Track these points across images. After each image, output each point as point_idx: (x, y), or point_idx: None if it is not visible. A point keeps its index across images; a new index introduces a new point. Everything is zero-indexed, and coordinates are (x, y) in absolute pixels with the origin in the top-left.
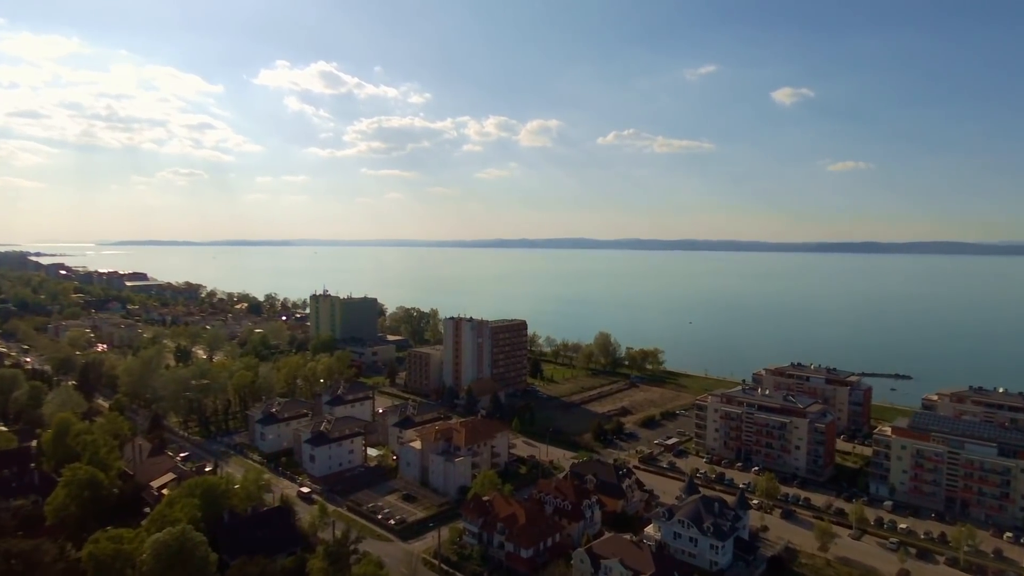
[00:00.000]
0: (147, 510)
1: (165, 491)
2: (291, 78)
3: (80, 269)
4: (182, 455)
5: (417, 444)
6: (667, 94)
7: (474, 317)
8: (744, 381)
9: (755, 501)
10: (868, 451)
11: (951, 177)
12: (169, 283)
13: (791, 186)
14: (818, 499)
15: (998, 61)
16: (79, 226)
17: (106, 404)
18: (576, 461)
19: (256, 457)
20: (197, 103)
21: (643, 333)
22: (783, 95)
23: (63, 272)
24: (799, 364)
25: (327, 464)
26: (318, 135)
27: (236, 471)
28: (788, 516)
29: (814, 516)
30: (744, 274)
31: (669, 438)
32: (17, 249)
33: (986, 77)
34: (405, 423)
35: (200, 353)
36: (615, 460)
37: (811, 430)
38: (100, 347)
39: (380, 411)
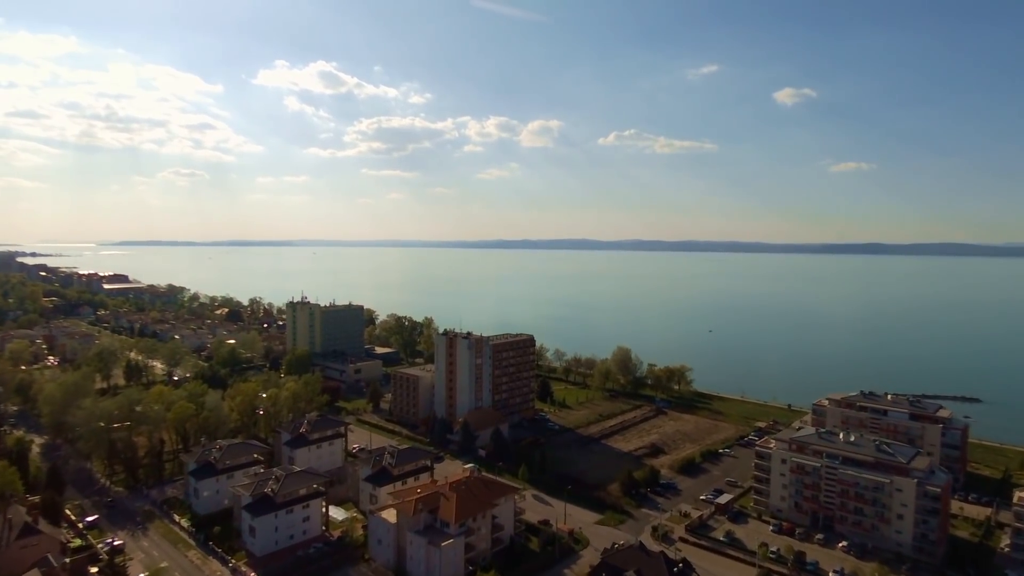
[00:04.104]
0: None
1: None
2: (290, 78)
3: (64, 271)
4: (88, 519)
5: (392, 515)
6: (668, 94)
7: (472, 332)
8: (790, 406)
9: None
10: (979, 512)
11: (954, 177)
12: (151, 285)
13: (793, 187)
14: None
15: (1002, 61)
16: (81, 227)
17: (31, 442)
18: (608, 549)
19: (186, 522)
20: (196, 103)
21: (660, 343)
22: (785, 95)
23: (43, 274)
24: (871, 393)
25: (272, 538)
26: (318, 135)
27: (154, 547)
28: None
29: None
30: (752, 275)
31: (718, 491)
32: (11, 249)
33: (990, 77)
34: (380, 477)
35: (158, 369)
36: (655, 529)
37: (920, 494)
38: (50, 361)
39: (355, 448)
